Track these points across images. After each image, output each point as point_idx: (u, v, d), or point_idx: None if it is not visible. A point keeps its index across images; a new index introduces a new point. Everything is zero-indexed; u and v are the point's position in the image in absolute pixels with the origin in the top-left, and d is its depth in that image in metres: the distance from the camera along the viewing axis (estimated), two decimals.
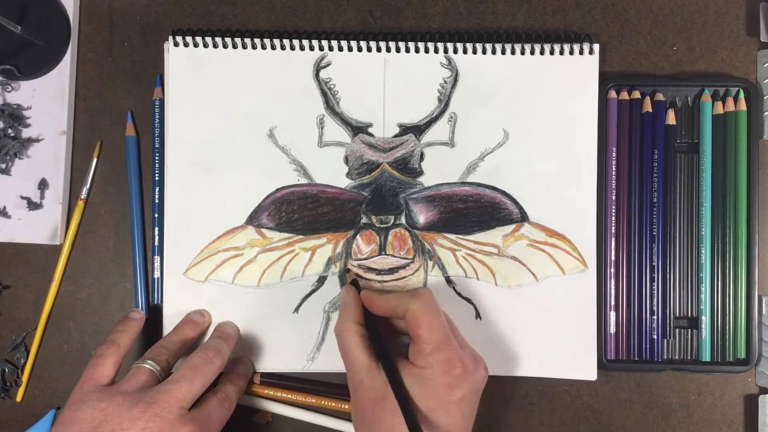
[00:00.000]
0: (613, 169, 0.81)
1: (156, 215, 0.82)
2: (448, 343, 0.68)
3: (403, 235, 0.81)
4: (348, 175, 0.81)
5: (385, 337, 0.74)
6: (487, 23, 0.83)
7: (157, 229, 0.82)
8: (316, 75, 0.81)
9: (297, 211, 0.81)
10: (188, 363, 0.72)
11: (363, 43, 0.81)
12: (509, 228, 0.81)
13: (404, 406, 0.65)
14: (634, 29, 0.83)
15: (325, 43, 0.81)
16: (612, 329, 0.81)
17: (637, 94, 0.81)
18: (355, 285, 0.78)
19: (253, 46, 0.81)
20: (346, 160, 0.81)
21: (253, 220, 0.81)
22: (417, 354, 0.69)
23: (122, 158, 0.83)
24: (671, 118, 0.81)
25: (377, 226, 0.81)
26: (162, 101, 0.82)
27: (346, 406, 0.81)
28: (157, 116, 0.82)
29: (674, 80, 0.82)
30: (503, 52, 0.81)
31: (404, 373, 0.68)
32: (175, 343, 0.76)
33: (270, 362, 0.81)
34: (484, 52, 0.81)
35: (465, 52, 0.81)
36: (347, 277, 0.80)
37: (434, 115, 0.81)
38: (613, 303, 0.81)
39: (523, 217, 0.81)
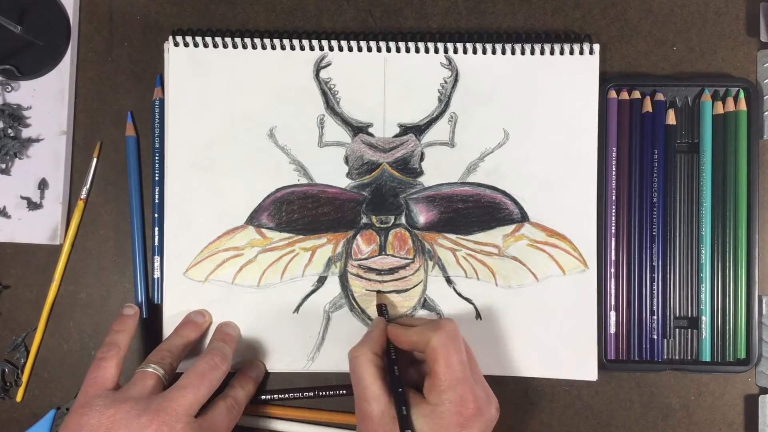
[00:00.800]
0: (613, 169, 0.81)
1: (156, 215, 0.82)
2: (464, 382, 0.68)
3: (403, 235, 0.81)
4: (348, 175, 0.81)
5: (402, 365, 0.74)
6: (487, 23, 0.83)
7: (157, 229, 0.82)
8: (316, 75, 0.81)
9: (297, 211, 0.81)
10: (194, 369, 0.72)
11: (363, 43, 0.81)
12: (509, 228, 0.81)
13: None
14: (634, 29, 0.83)
15: (325, 43, 0.81)
16: (612, 329, 0.81)
17: (637, 94, 0.81)
18: (383, 311, 0.79)
19: (253, 46, 0.81)
20: (346, 160, 0.81)
21: (253, 220, 0.81)
22: (431, 389, 0.68)
23: (122, 158, 0.83)
24: (671, 118, 0.81)
25: (377, 226, 0.81)
26: (162, 101, 0.82)
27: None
28: (157, 116, 0.82)
29: (674, 80, 0.83)
30: (503, 52, 0.81)
31: (416, 409, 0.68)
32: (178, 346, 0.76)
33: (270, 362, 0.81)
34: (484, 52, 0.81)
35: (465, 52, 0.81)
36: (377, 299, 0.80)
37: (434, 115, 0.81)
38: (613, 303, 0.81)
39: (524, 217, 0.81)
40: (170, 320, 0.80)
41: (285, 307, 0.81)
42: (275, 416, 0.82)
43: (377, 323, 0.76)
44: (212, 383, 0.72)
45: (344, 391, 0.81)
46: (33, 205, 0.82)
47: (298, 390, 0.82)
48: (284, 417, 0.82)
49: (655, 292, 0.80)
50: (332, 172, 0.81)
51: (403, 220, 0.81)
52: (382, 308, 0.79)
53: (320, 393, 0.82)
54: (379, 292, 0.81)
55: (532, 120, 0.81)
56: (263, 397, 0.81)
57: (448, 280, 0.81)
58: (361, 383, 0.70)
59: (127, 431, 0.66)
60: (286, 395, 0.81)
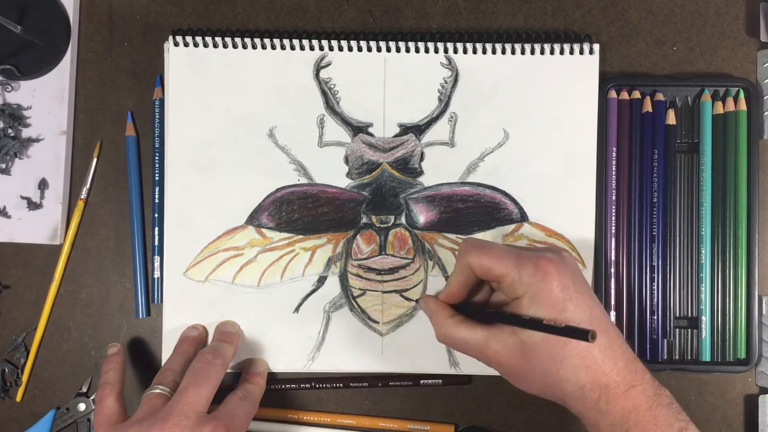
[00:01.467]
0: (613, 169, 0.81)
1: (156, 215, 0.82)
2: (521, 256, 0.67)
3: (403, 235, 0.81)
4: (348, 174, 0.81)
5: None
6: (487, 23, 0.83)
7: (157, 229, 0.82)
8: (316, 75, 0.81)
9: (297, 211, 0.81)
10: (190, 370, 0.72)
11: (363, 43, 0.81)
12: (509, 228, 0.81)
13: (555, 329, 0.63)
14: (634, 29, 0.83)
15: (325, 42, 0.81)
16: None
17: (637, 94, 0.81)
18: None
19: (253, 46, 0.81)
20: (346, 160, 0.81)
21: (253, 219, 0.81)
22: (510, 287, 0.67)
23: (122, 158, 0.83)
24: (671, 118, 0.81)
25: (377, 225, 0.81)
26: (162, 101, 0.82)
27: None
28: (157, 116, 0.82)
29: (674, 80, 0.83)
30: (503, 52, 0.81)
31: (519, 311, 0.66)
32: (179, 363, 0.76)
33: (270, 362, 0.81)
34: (484, 52, 0.81)
35: (465, 52, 0.81)
36: (417, 303, 0.80)
37: (434, 114, 0.81)
38: (613, 303, 0.81)
39: (523, 217, 0.81)
40: (170, 320, 0.81)
41: (285, 307, 0.81)
42: (304, 422, 0.83)
43: (426, 301, 0.74)
44: (211, 378, 0.71)
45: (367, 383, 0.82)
46: (33, 205, 0.82)
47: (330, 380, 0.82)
48: (313, 422, 0.83)
49: (655, 292, 0.80)
50: (332, 172, 0.81)
51: (403, 219, 0.81)
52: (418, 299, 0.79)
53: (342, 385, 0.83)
54: (417, 300, 0.80)
55: (532, 120, 0.81)
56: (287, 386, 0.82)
57: None
58: (467, 343, 0.69)
59: None
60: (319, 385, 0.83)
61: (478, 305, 0.72)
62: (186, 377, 0.71)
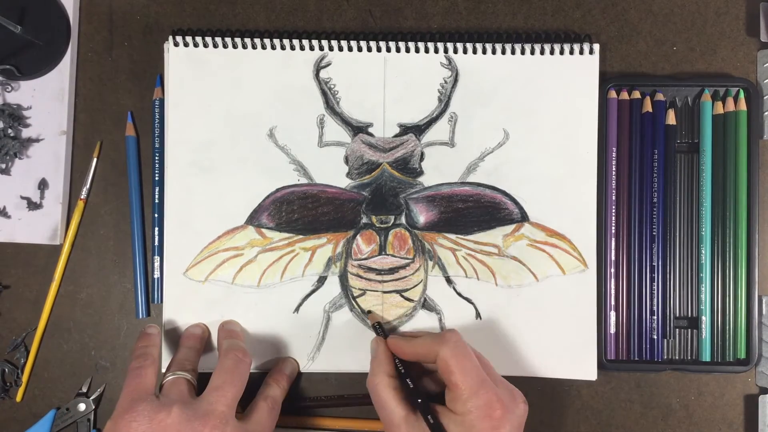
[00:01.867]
0: (613, 169, 0.81)
1: (156, 215, 0.82)
2: (484, 385, 0.68)
3: (403, 235, 0.81)
4: (348, 175, 0.81)
5: (415, 375, 0.74)
6: (487, 23, 0.83)
7: (156, 229, 0.82)
8: (316, 75, 0.81)
9: (297, 211, 0.81)
10: (222, 368, 0.72)
11: (363, 43, 0.81)
12: (509, 228, 0.81)
13: None
14: (634, 29, 0.83)
15: (325, 43, 0.81)
16: (612, 329, 0.81)
17: (637, 94, 0.81)
18: (378, 329, 0.78)
19: (253, 46, 0.81)
20: (346, 160, 0.81)
21: (253, 220, 0.81)
22: (455, 401, 0.68)
23: (122, 158, 0.83)
24: (671, 118, 0.81)
25: (377, 226, 0.81)
26: (162, 101, 0.82)
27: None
28: (157, 116, 0.82)
29: (674, 80, 0.83)
30: (503, 52, 0.81)
31: (445, 420, 0.68)
32: (192, 356, 0.76)
33: (270, 363, 0.81)
34: (484, 52, 0.81)
35: (465, 52, 0.81)
36: (369, 319, 0.80)
37: (434, 114, 0.81)
38: (613, 303, 0.81)
39: (524, 217, 0.81)
40: (170, 320, 0.81)
41: (285, 307, 0.81)
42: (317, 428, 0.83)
43: (377, 343, 0.76)
44: (243, 377, 0.72)
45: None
46: (33, 205, 0.82)
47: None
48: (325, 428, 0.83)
49: (655, 292, 0.80)
50: (332, 172, 0.81)
51: (403, 219, 0.81)
52: (377, 327, 0.79)
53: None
54: (369, 312, 0.81)
55: (532, 120, 0.81)
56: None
57: (448, 280, 0.81)
58: (386, 409, 0.70)
59: None
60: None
61: (413, 384, 0.72)
62: (219, 374, 0.72)
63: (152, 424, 0.67)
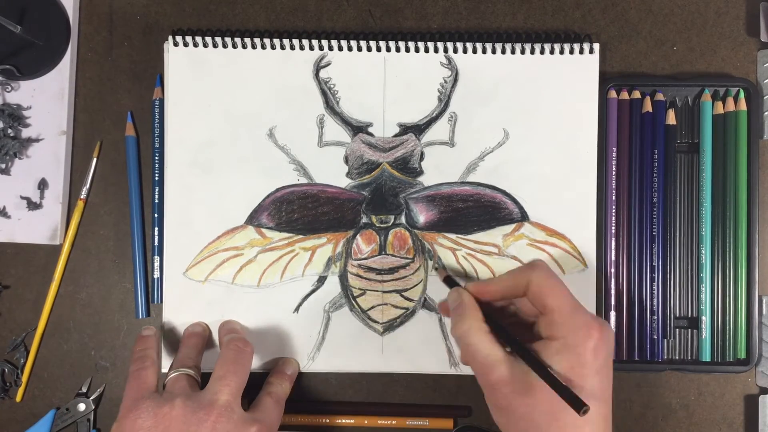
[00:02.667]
0: (613, 169, 0.81)
1: (156, 215, 0.82)
2: (579, 307, 0.67)
3: (403, 234, 0.81)
4: (348, 174, 0.81)
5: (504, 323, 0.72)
6: (487, 23, 0.83)
7: (156, 229, 0.82)
8: (316, 74, 0.81)
9: (297, 211, 0.81)
10: (224, 359, 0.73)
11: (363, 43, 0.81)
12: (509, 228, 0.81)
13: (558, 386, 0.61)
14: (634, 29, 0.83)
15: (325, 42, 0.81)
16: (612, 329, 0.80)
17: (637, 94, 0.81)
18: (449, 282, 0.76)
19: (253, 46, 0.81)
20: (346, 160, 0.81)
21: (253, 219, 0.81)
22: (551, 325, 0.66)
23: (122, 158, 0.83)
24: (671, 118, 0.81)
25: (377, 225, 0.81)
26: (162, 101, 0.82)
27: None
28: (157, 116, 0.82)
29: (674, 80, 0.82)
30: (503, 52, 0.81)
31: (545, 351, 0.66)
32: (194, 354, 0.77)
33: (270, 363, 0.81)
34: (484, 51, 0.81)
35: (465, 51, 0.81)
36: (438, 273, 0.79)
37: (434, 114, 0.81)
38: (613, 303, 0.81)
39: (523, 217, 0.81)
40: (170, 320, 0.81)
41: (285, 307, 0.81)
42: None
43: (459, 292, 0.72)
44: (246, 366, 0.73)
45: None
46: (33, 205, 0.82)
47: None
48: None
49: (655, 292, 0.80)
50: (332, 172, 0.81)
51: (403, 219, 0.81)
52: (450, 280, 0.77)
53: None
54: (437, 268, 0.80)
55: (532, 120, 0.81)
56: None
57: None
58: (480, 354, 0.67)
59: (186, 427, 0.66)
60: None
61: (502, 323, 0.70)
62: (221, 365, 0.72)
63: (157, 419, 0.67)
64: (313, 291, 0.81)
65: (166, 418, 0.67)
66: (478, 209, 0.81)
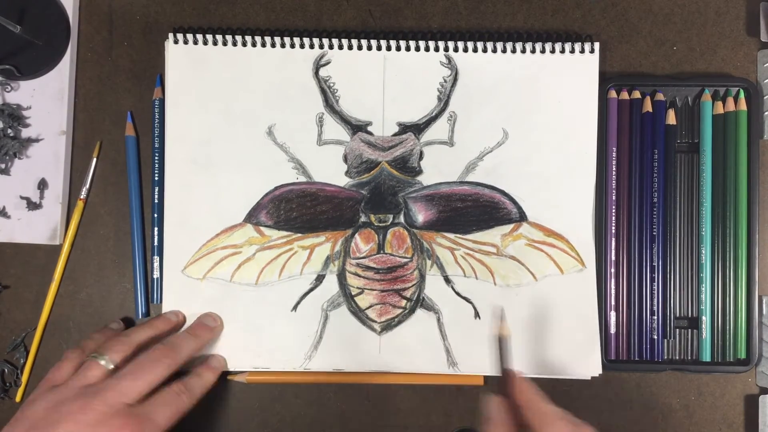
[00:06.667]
0: (613, 169, 0.81)
1: (155, 215, 0.82)
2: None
3: (401, 233, 0.81)
4: (347, 173, 0.81)
5: None
6: (487, 23, 0.84)
7: (156, 229, 0.82)
8: (316, 73, 0.81)
9: (295, 210, 0.81)
10: (137, 359, 0.72)
11: (363, 42, 0.81)
12: (508, 227, 0.81)
13: None
14: (634, 29, 0.83)
15: (325, 41, 0.81)
16: (612, 329, 0.80)
17: (637, 94, 0.81)
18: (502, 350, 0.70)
19: (253, 44, 0.81)
20: (345, 159, 0.81)
21: (251, 217, 0.81)
22: None
23: (122, 158, 0.83)
24: (671, 118, 0.81)
25: (376, 224, 0.81)
26: (162, 101, 0.82)
27: None
28: (157, 116, 0.82)
29: (674, 80, 0.83)
30: (503, 51, 0.81)
31: None
32: (140, 337, 0.76)
33: (267, 360, 0.81)
34: (484, 50, 0.81)
35: (465, 50, 0.81)
36: (499, 329, 0.71)
37: (434, 113, 0.81)
38: (613, 303, 0.81)
39: (522, 217, 0.81)
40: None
41: (283, 306, 0.81)
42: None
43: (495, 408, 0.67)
44: (154, 374, 0.71)
45: None
46: (33, 205, 0.82)
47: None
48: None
49: (655, 292, 0.80)
50: (331, 171, 0.81)
51: (401, 218, 0.81)
52: (503, 346, 0.70)
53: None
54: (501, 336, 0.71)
55: (532, 119, 0.81)
56: None
57: (447, 279, 0.80)
58: None
59: (58, 416, 0.67)
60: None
61: None
62: (131, 364, 0.71)
63: (38, 411, 0.68)
64: (311, 290, 0.81)
65: (46, 411, 0.68)
66: (476, 209, 0.81)
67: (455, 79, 0.81)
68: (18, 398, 0.82)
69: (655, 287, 0.80)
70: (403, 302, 0.80)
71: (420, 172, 0.81)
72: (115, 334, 0.77)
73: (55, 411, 0.67)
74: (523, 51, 0.81)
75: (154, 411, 0.71)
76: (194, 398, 0.75)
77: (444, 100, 0.81)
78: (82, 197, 0.83)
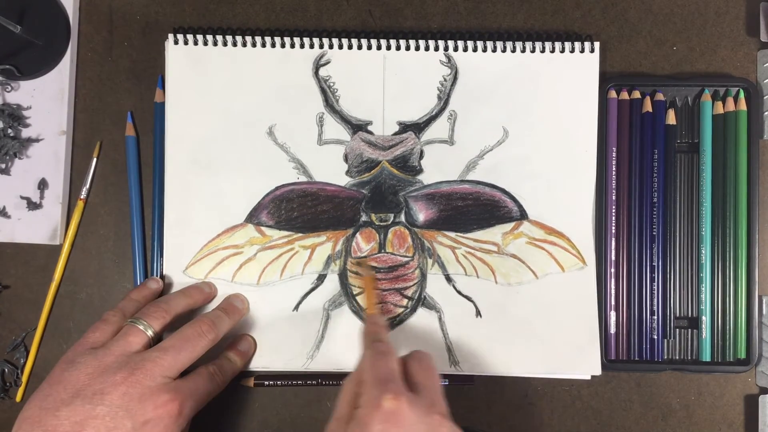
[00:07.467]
0: (613, 169, 0.81)
1: (156, 215, 0.82)
2: None
3: (402, 233, 0.81)
4: (347, 173, 0.81)
5: None
6: (487, 23, 0.84)
7: (156, 229, 0.82)
8: (316, 73, 0.81)
9: (296, 209, 0.81)
10: (180, 333, 0.72)
11: (363, 41, 0.81)
12: (509, 226, 0.81)
13: None
14: (634, 29, 0.83)
15: (324, 41, 0.81)
16: (612, 329, 0.80)
17: (637, 94, 0.82)
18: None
19: (253, 44, 0.81)
20: (346, 158, 0.81)
21: (252, 218, 0.81)
22: None
23: (122, 158, 0.83)
24: (671, 118, 0.81)
25: (377, 224, 0.81)
26: (163, 103, 0.82)
27: None
28: (158, 117, 0.82)
29: (674, 80, 0.83)
30: (503, 50, 0.81)
31: None
32: (179, 306, 0.76)
33: (269, 360, 0.80)
34: (484, 50, 0.81)
35: (465, 49, 0.81)
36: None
37: (434, 112, 0.81)
38: (613, 303, 0.81)
39: (523, 215, 0.81)
40: None
41: (284, 305, 0.81)
42: None
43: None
44: (195, 349, 0.71)
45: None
46: (33, 205, 0.82)
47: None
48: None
49: (655, 292, 0.80)
50: (331, 170, 0.81)
51: (402, 218, 0.81)
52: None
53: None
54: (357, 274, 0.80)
55: (532, 118, 0.81)
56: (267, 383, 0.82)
57: (448, 278, 0.80)
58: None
59: (102, 387, 0.66)
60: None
61: None
62: (173, 337, 0.71)
63: (80, 375, 0.68)
64: (312, 289, 0.81)
65: (88, 377, 0.67)
66: (477, 207, 0.81)
67: (455, 78, 0.81)
68: (18, 398, 0.82)
69: (655, 287, 0.80)
70: (405, 301, 0.80)
71: (420, 171, 0.81)
72: (154, 301, 0.76)
73: (99, 379, 0.67)
74: (523, 50, 0.81)
75: (194, 389, 0.71)
76: (226, 382, 0.76)
77: (444, 99, 0.81)
78: (82, 197, 0.83)
